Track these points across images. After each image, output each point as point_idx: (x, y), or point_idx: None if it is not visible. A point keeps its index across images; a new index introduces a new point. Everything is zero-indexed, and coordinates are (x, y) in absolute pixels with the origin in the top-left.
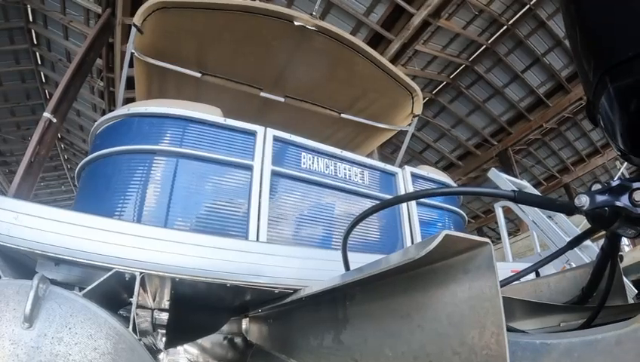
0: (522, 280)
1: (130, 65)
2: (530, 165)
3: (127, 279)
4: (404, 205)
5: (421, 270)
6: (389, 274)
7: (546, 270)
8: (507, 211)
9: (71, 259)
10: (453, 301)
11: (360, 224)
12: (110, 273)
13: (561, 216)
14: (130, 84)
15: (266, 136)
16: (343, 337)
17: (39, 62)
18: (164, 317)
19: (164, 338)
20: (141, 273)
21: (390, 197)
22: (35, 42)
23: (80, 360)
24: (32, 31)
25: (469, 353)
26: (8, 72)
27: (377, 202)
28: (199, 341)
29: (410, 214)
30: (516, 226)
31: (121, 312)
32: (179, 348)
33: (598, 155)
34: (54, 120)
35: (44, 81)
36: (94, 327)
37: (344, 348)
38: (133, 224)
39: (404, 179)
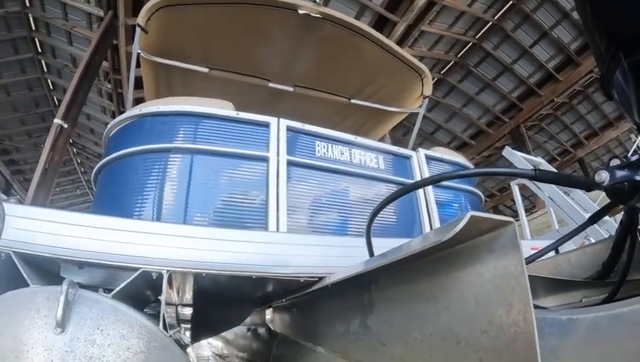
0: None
1: (137, 65)
2: (543, 141)
3: (154, 278)
4: (418, 175)
5: (444, 252)
6: (413, 259)
7: (565, 246)
8: (522, 188)
9: (97, 261)
10: (478, 281)
11: (373, 197)
12: (137, 273)
13: (577, 192)
14: (138, 84)
15: (279, 127)
16: (370, 322)
17: (45, 70)
18: (188, 311)
19: (188, 333)
20: (168, 271)
21: (405, 180)
22: (40, 50)
23: (114, 361)
24: (36, 39)
25: (497, 331)
26: (15, 81)
27: (393, 186)
28: (223, 333)
29: (427, 196)
30: (531, 203)
31: (145, 310)
32: (203, 342)
33: (611, 128)
34: (65, 125)
35: (51, 88)
36: (126, 327)
37: (371, 333)
38: (156, 223)
39: (419, 162)
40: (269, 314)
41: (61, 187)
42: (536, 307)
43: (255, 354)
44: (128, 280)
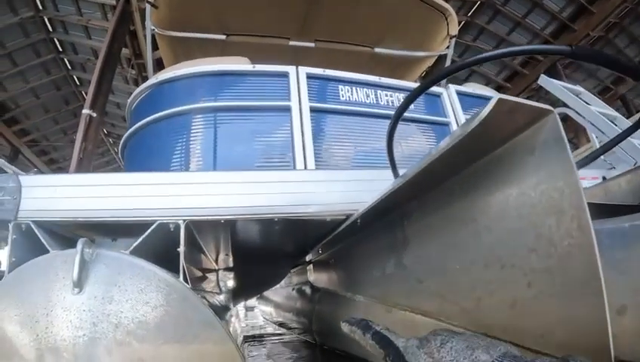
0: (589, 186)
1: (155, 46)
2: (581, 79)
3: (172, 230)
4: (452, 118)
5: (480, 163)
6: (445, 177)
7: (614, 173)
8: (564, 130)
9: (112, 219)
10: (520, 189)
11: (404, 140)
12: (154, 226)
13: (622, 120)
14: (162, 66)
15: (298, 75)
16: (405, 260)
17: (69, 68)
18: (230, 275)
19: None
20: (184, 220)
21: (436, 117)
22: (60, 49)
23: (132, 316)
24: (55, 39)
25: (547, 247)
26: (42, 84)
27: (424, 124)
28: (270, 296)
29: (459, 124)
30: (575, 146)
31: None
32: (256, 311)
33: None
34: (94, 115)
35: (78, 83)
36: (144, 282)
37: (407, 272)
38: (171, 173)
39: (450, 99)
40: (309, 271)
41: None
42: None
43: (300, 312)
44: (145, 234)
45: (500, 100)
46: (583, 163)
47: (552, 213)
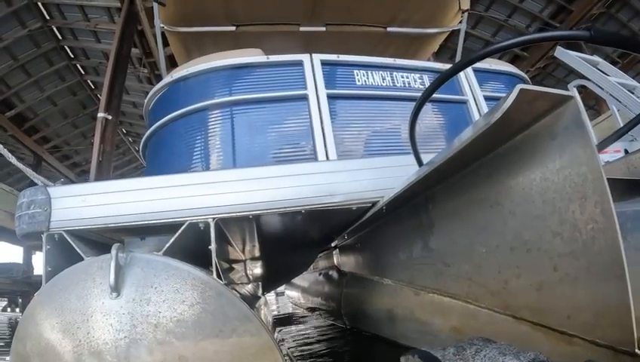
0: (611, 160)
1: (166, 43)
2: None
3: (202, 228)
4: (470, 96)
5: (502, 149)
6: (469, 162)
7: (635, 145)
8: (586, 97)
9: (142, 223)
10: (543, 175)
11: (421, 119)
12: (184, 226)
13: None
14: (173, 61)
15: (313, 62)
16: (432, 243)
17: (82, 73)
18: (257, 265)
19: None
20: (214, 218)
21: (454, 96)
22: (72, 56)
23: (170, 316)
24: (65, 47)
25: (571, 231)
26: (58, 91)
27: (442, 104)
28: (298, 283)
29: (480, 108)
30: (597, 113)
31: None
32: (285, 295)
33: None
34: (109, 117)
35: (93, 87)
36: (179, 281)
37: (434, 255)
38: (198, 173)
39: (467, 76)
40: (336, 256)
41: (126, 176)
42: None
43: (328, 296)
44: (176, 235)
45: (522, 90)
46: (606, 143)
47: (576, 199)
